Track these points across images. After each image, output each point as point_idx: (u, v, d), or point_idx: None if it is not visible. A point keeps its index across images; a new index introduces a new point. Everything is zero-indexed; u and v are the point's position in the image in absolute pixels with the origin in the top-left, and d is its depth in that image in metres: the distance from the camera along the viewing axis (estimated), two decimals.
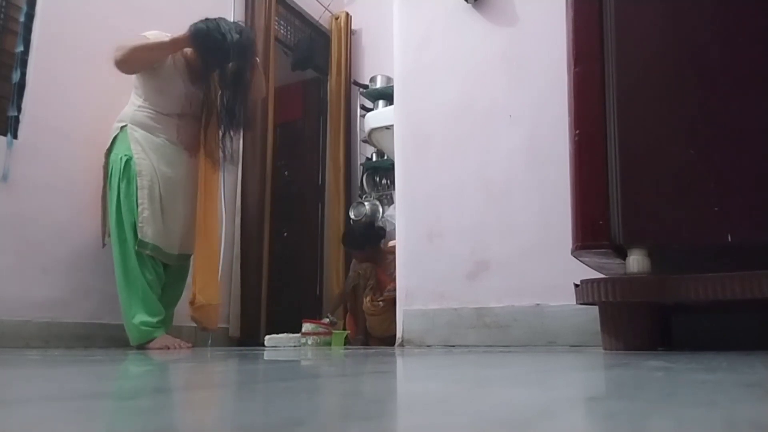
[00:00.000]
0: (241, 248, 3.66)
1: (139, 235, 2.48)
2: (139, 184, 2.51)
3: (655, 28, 1.60)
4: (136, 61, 2.51)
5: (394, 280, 3.49)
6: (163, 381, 0.90)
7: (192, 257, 2.78)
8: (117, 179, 2.52)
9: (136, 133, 2.57)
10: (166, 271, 2.64)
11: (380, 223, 4.19)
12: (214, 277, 2.89)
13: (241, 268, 3.64)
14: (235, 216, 3.69)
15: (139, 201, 2.50)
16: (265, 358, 1.62)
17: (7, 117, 2.57)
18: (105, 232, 2.65)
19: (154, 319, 2.45)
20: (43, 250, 2.60)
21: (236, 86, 2.64)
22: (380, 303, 3.42)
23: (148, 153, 2.56)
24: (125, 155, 2.53)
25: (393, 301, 3.32)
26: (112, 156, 2.58)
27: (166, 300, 2.61)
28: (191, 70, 2.67)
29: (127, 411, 0.48)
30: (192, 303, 2.79)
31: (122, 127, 2.59)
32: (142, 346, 2.42)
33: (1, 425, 0.40)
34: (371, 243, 3.70)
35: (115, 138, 2.59)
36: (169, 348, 2.39)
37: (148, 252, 2.49)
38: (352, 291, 3.69)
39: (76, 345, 2.61)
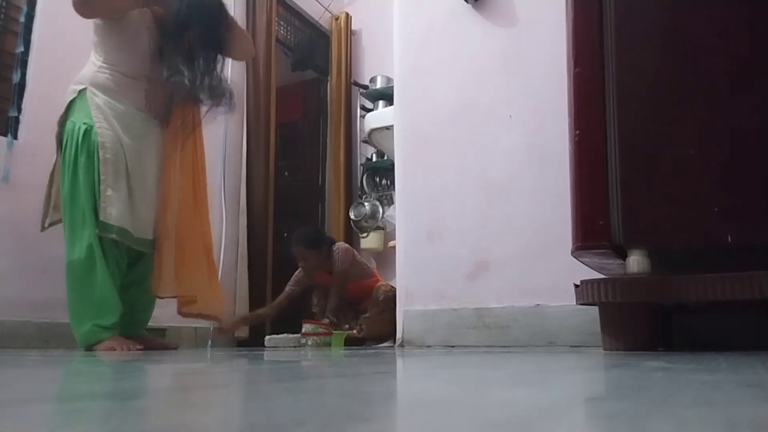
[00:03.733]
0: (248, 248, 3.66)
1: (102, 217, 2.12)
2: (101, 158, 2.15)
3: (655, 29, 1.60)
4: (98, 3, 2.19)
5: (357, 278, 3.47)
6: (164, 382, 0.90)
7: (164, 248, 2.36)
8: (74, 151, 2.16)
9: (97, 98, 2.21)
10: (135, 267, 2.32)
11: (380, 224, 4.19)
12: (214, 279, 2.54)
13: (248, 268, 3.63)
14: (239, 216, 3.69)
15: (102, 177, 2.14)
16: (265, 358, 1.62)
17: (7, 117, 2.57)
18: (46, 213, 2.31)
19: (109, 322, 2.12)
20: (43, 251, 2.59)
21: (215, 49, 2.36)
22: (362, 328, 3.33)
23: (111, 121, 2.20)
24: (84, 123, 2.17)
25: (374, 320, 3.30)
26: (68, 124, 2.21)
27: (133, 300, 2.31)
28: (160, 26, 2.32)
29: (128, 411, 0.48)
30: (187, 304, 2.46)
31: (80, 91, 2.22)
32: (90, 347, 2.12)
33: (1, 425, 0.40)
34: (325, 244, 3.47)
35: (71, 103, 2.22)
36: (115, 350, 2.04)
37: (113, 236, 2.13)
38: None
39: (75, 345, 2.61)
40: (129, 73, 2.27)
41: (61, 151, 2.24)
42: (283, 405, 0.50)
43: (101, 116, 2.20)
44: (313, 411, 0.47)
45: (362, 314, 3.35)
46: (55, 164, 2.28)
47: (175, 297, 2.46)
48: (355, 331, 3.29)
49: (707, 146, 1.49)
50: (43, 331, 2.55)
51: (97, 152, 2.15)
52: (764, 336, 1.69)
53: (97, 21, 2.27)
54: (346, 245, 3.60)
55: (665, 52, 1.58)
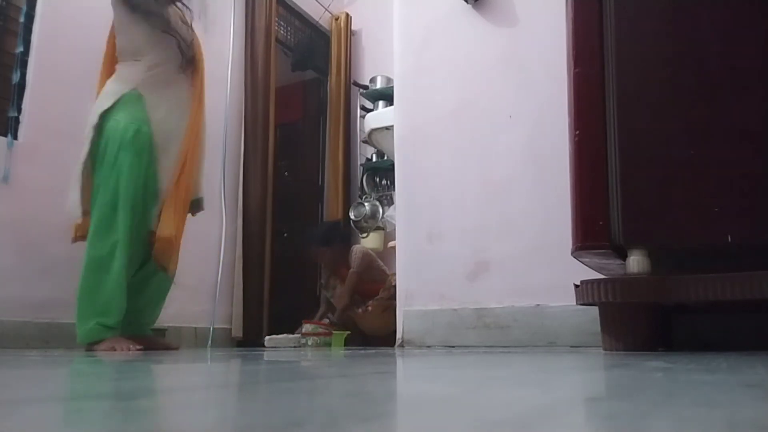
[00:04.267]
0: (243, 249, 3.66)
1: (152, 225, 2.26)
2: (158, 158, 2.27)
3: (655, 29, 1.60)
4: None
5: (373, 281, 3.49)
6: (163, 382, 0.90)
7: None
8: (115, 149, 2.18)
9: (149, 98, 2.29)
10: (143, 267, 2.34)
11: (380, 224, 4.19)
12: (173, 210, 2.36)
13: (243, 268, 3.64)
14: (237, 217, 3.68)
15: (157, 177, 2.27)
16: (265, 359, 1.62)
17: (7, 118, 2.57)
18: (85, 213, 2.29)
19: (112, 321, 2.15)
20: (43, 251, 2.59)
21: None
22: (368, 309, 3.38)
23: (161, 116, 2.30)
24: (134, 123, 2.22)
25: (383, 305, 3.32)
26: (112, 122, 2.21)
27: (138, 300, 2.32)
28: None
29: (128, 411, 0.48)
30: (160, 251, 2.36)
31: (130, 90, 2.27)
32: (90, 347, 2.14)
33: (1, 425, 0.40)
34: (336, 242, 3.57)
35: (118, 101, 2.23)
36: (115, 350, 2.05)
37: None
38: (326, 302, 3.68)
39: (75, 345, 2.61)
40: (169, 67, 2.37)
41: (95, 146, 2.23)
42: (282, 405, 0.50)
43: (155, 115, 2.27)
44: (313, 411, 0.47)
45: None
46: (86, 158, 2.25)
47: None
48: (360, 310, 3.32)
49: (707, 146, 1.49)
50: (43, 331, 2.55)
51: (152, 152, 2.24)
52: (764, 336, 1.69)
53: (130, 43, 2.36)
54: (365, 249, 3.63)
55: (665, 52, 1.58)
